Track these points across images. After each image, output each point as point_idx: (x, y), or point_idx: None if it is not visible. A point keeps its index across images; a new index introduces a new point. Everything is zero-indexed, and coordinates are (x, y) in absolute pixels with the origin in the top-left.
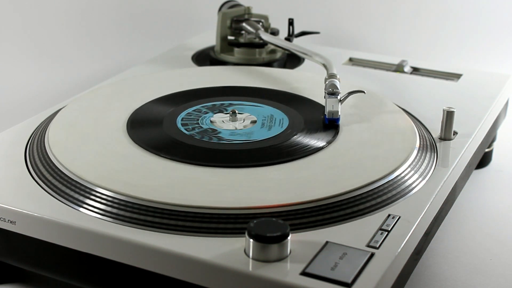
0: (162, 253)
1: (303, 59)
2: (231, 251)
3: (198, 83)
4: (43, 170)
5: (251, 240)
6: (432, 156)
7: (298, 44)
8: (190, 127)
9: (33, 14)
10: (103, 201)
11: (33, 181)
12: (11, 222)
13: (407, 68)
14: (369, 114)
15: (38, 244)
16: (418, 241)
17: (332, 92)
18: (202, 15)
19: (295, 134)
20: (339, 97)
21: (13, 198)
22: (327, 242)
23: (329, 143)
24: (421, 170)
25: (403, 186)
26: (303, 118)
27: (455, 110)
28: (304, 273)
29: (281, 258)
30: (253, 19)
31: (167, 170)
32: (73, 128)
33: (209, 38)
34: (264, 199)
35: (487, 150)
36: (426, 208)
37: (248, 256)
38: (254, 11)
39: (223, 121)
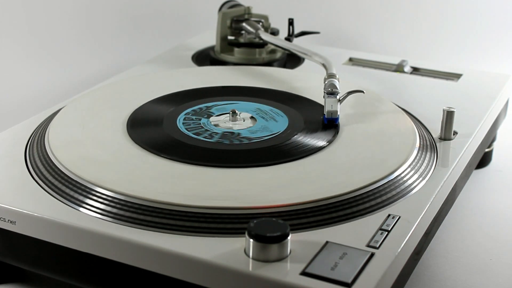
0: (162, 253)
1: (303, 59)
2: (231, 251)
3: (198, 83)
4: (43, 170)
5: (251, 240)
6: (432, 156)
7: (298, 44)
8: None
9: (34, 15)
10: (103, 201)
11: (33, 181)
12: (11, 222)
13: (407, 68)
14: (369, 114)
15: (38, 244)
16: (418, 241)
17: (331, 92)
18: (202, 15)
19: (295, 134)
20: (338, 97)
21: (13, 198)
22: (327, 242)
23: (329, 143)
24: (421, 170)
25: (403, 186)
26: (303, 118)
27: (455, 110)
28: (304, 273)
29: (281, 258)
30: (253, 19)
31: (167, 170)
32: (73, 128)
33: (209, 38)
34: (264, 199)
35: (487, 150)
36: (426, 208)
37: (248, 256)
38: (254, 11)
39: (223, 122)
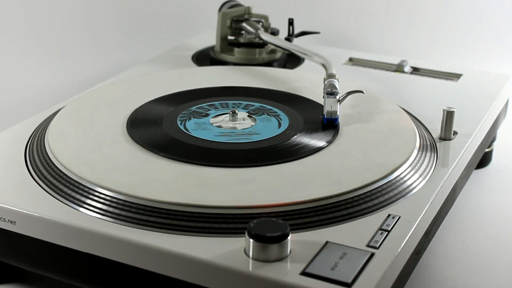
0: (162, 253)
1: (303, 59)
2: (231, 251)
3: (198, 83)
4: (43, 170)
5: (251, 240)
6: (432, 156)
7: (298, 44)
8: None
9: (33, 15)
10: (103, 201)
11: (33, 181)
12: (11, 222)
13: (407, 68)
14: (369, 114)
15: (38, 244)
16: (418, 241)
17: (330, 92)
18: (202, 15)
19: (295, 134)
20: (337, 97)
21: (13, 198)
22: (327, 242)
23: (329, 143)
24: (421, 170)
25: (403, 186)
26: (303, 118)
27: (455, 110)
28: (304, 273)
29: (281, 258)
30: (253, 19)
31: (167, 169)
32: (73, 128)
33: (209, 38)
34: (264, 199)
35: (487, 150)
36: (426, 208)
37: (248, 256)
38: (254, 11)
39: (222, 120)
